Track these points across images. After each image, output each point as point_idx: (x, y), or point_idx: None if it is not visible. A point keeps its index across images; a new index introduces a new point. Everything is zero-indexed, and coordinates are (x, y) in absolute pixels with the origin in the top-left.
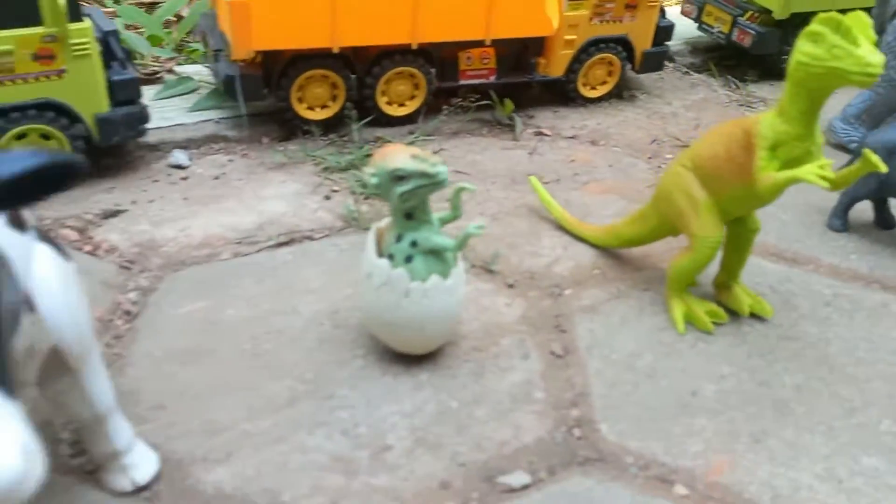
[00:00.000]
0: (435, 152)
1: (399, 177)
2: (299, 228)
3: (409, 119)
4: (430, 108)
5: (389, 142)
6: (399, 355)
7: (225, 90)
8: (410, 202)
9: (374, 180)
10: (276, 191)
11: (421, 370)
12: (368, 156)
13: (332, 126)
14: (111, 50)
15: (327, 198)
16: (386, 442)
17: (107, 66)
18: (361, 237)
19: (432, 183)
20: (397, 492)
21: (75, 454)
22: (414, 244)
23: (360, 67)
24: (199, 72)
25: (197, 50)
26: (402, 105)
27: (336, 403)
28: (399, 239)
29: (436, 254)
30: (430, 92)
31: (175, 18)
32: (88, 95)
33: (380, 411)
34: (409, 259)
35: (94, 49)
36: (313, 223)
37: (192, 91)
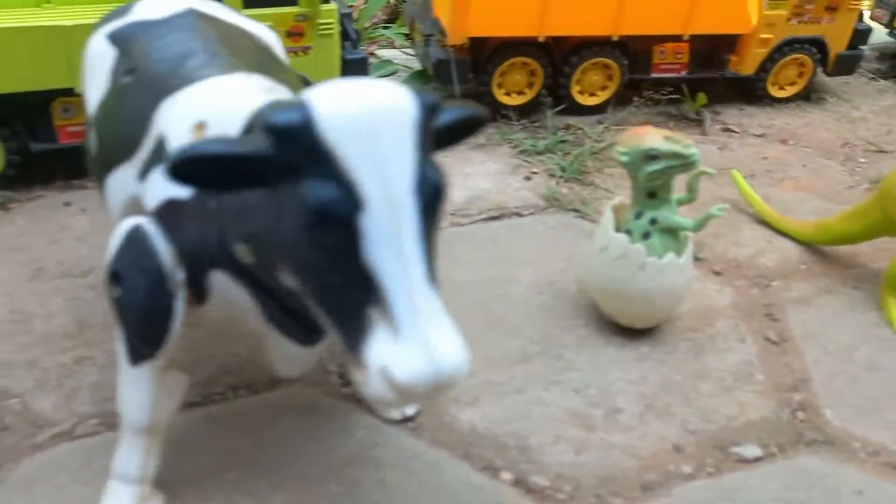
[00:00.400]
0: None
1: (651, 156)
2: (506, 205)
3: (598, 109)
4: (619, 98)
5: (581, 129)
6: (618, 328)
7: (434, 74)
8: (657, 182)
9: (623, 158)
10: (478, 169)
11: (641, 343)
12: (563, 142)
13: (525, 111)
14: (346, 30)
15: (528, 178)
16: (617, 405)
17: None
18: (566, 217)
19: (683, 164)
20: (634, 449)
21: (345, 384)
22: (653, 222)
23: (558, 56)
24: (394, 56)
25: (383, 35)
26: (592, 94)
27: (565, 365)
28: (639, 216)
29: (672, 233)
30: (623, 83)
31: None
32: (327, 72)
33: (607, 376)
34: (646, 235)
35: (336, 29)
36: (518, 201)
37: (392, 74)
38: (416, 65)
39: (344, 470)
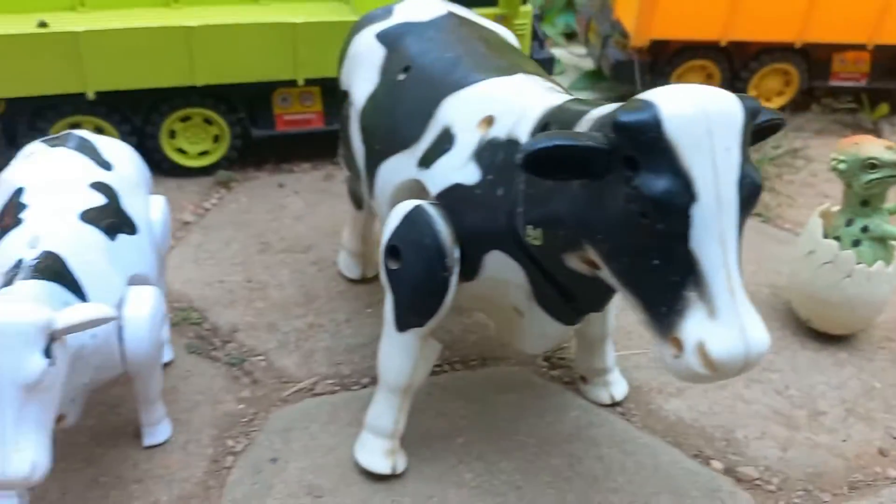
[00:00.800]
0: (798, 150)
1: (871, 165)
2: None
3: None
4: (794, 105)
5: None
6: (814, 333)
7: (612, 74)
8: (874, 190)
9: (841, 166)
10: None
11: (838, 349)
12: None
13: None
14: (535, 30)
15: None
16: (818, 407)
17: None
18: (750, 221)
19: None
20: (839, 450)
21: (552, 367)
22: (865, 230)
23: (738, 60)
24: (558, 54)
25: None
26: (767, 100)
27: (764, 365)
28: (850, 223)
29: (882, 242)
30: (801, 90)
31: None
32: None
33: (807, 379)
34: (856, 243)
35: (529, 30)
36: None
37: (560, 73)
38: (582, 63)
39: (564, 445)
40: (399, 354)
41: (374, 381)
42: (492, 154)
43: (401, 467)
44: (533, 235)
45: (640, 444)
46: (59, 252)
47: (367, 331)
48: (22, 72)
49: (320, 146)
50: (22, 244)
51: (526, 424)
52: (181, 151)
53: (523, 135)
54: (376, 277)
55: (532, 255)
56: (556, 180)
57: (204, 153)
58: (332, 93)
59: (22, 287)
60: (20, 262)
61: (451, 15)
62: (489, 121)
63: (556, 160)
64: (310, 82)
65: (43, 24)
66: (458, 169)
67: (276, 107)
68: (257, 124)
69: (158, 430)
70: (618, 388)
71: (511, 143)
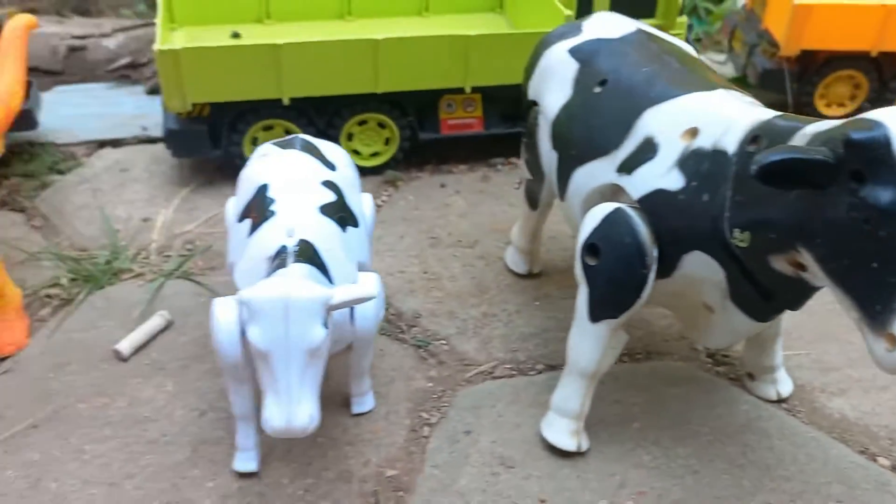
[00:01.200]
0: None
1: None
2: None
3: None
4: None
5: None
6: None
7: (759, 82)
8: None
9: None
10: None
11: None
12: None
13: None
14: (687, 40)
15: None
16: None
17: None
18: None
19: None
20: None
21: (716, 364)
22: None
23: (886, 71)
24: None
25: None
26: None
27: None
28: None
29: None
30: None
31: None
32: None
33: None
34: None
35: (683, 40)
36: None
37: None
38: (722, 70)
39: (736, 435)
40: (589, 343)
41: (547, 367)
42: (696, 163)
43: (585, 446)
44: (740, 238)
45: (809, 438)
46: (311, 240)
47: (537, 322)
48: (227, 79)
49: (476, 149)
50: (280, 233)
51: (696, 415)
52: (355, 152)
53: (730, 146)
54: (541, 273)
55: (734, 256)
56: (782, 189)
57: (375, 154)
58: (492, 100)
59: (295, 269)
60: (283, 248)
61: (640, 31)
62: (693, 132)
63: (786, 171)
64: (473, 90)
65: (236, 35)
66: (662, 176)
67: (441, 112)
68: (424, 128)
69: (365, 401)
70: (784, 385)
71: (717, 153)
